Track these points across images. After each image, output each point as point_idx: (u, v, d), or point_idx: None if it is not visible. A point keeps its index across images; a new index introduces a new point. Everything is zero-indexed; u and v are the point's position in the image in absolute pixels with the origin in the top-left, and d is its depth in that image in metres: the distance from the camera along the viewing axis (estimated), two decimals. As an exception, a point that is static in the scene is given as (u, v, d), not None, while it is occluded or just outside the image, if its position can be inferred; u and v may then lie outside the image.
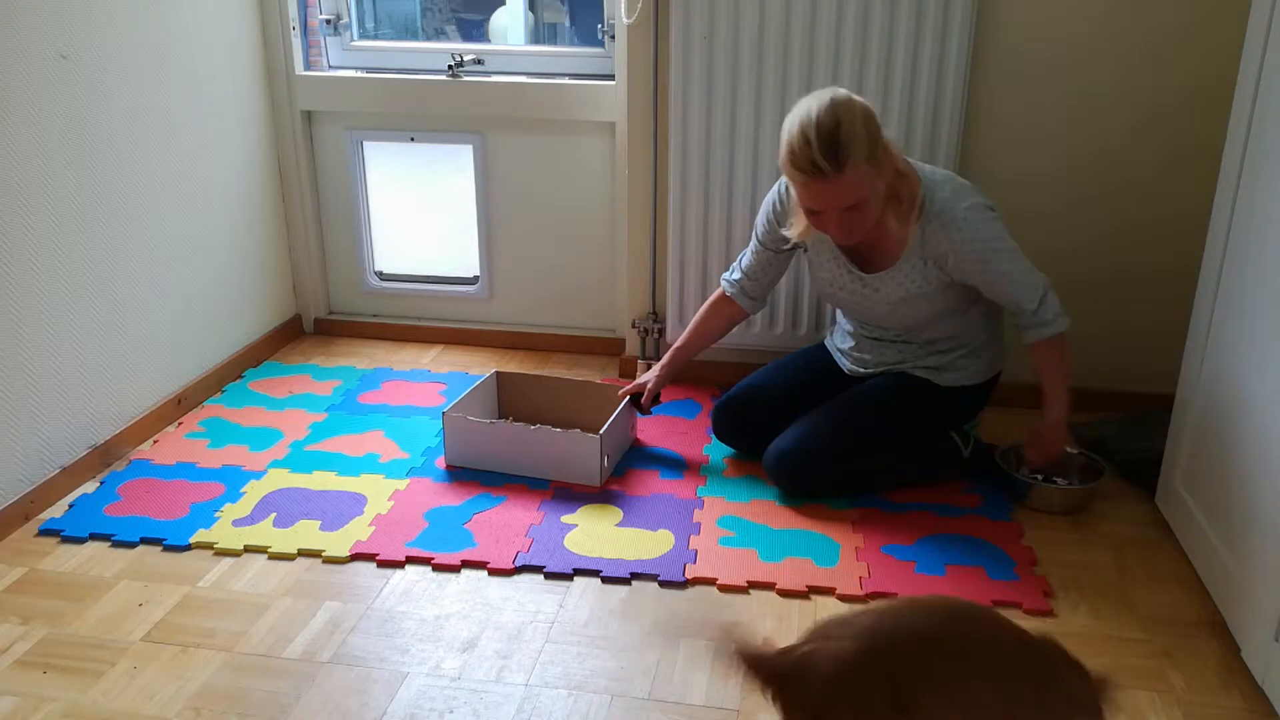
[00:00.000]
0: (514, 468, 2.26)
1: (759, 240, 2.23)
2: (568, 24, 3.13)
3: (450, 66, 2.82)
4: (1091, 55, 2.37)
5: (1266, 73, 1.76)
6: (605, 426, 2.22)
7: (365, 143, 2.95)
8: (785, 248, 2.19)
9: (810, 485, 2.16)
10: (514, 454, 2.25)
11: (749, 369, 2.45)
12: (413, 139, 2.91)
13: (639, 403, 2.37)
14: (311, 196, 3.01)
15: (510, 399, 2.51)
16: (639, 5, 2.51)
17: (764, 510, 2.13)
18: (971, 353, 2.17)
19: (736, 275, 2.29)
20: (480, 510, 2.13)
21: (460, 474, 2.27)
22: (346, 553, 1.97)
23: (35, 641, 1.73)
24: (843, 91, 1.92)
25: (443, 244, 3.05)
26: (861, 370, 2.24)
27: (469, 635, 1.75)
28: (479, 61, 2.87)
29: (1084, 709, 0.99)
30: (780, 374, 2.36)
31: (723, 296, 2.32)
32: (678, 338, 2.40)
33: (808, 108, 1.88)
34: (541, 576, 1.92)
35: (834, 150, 1.83)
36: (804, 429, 2.17)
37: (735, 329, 2.41)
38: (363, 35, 3.01)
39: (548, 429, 2.22)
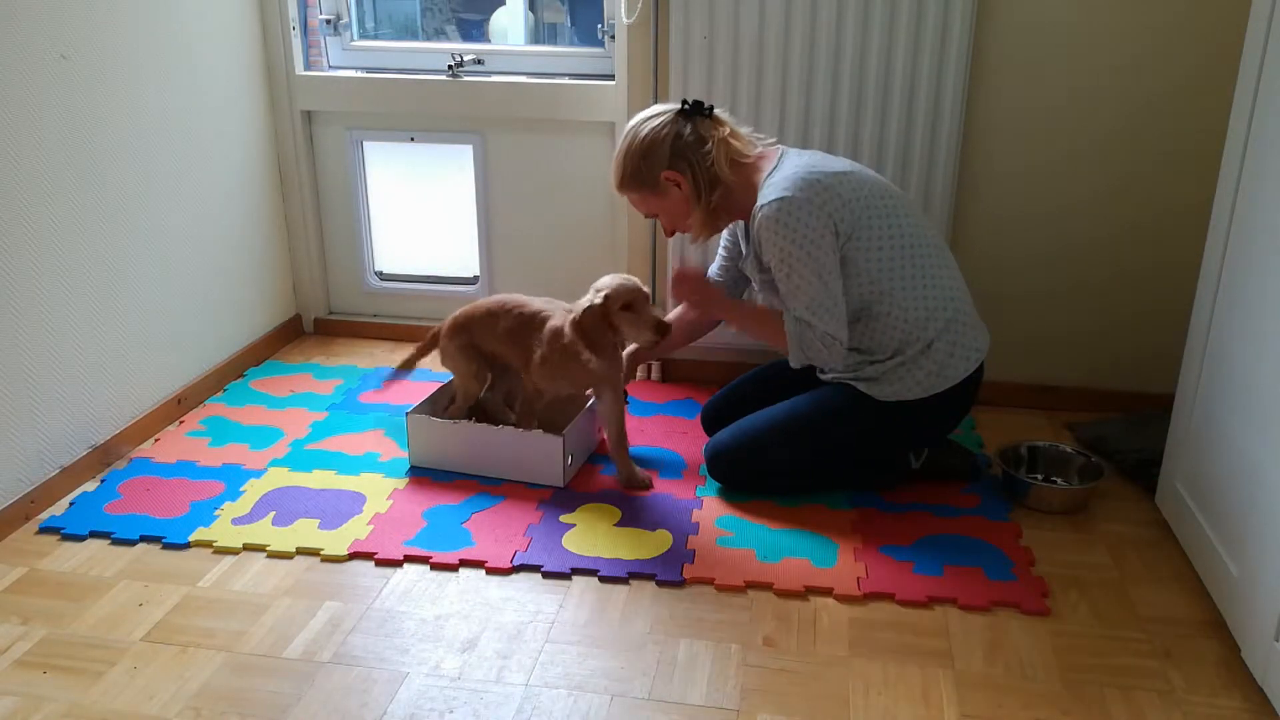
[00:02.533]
0: (478, 468, 2.25)
1: (722, 247, 2.32)
2: (568, 24, 3.13)
3: (450, 66, 2.83)
4: (1090, 54, 2.37)
5: (1267, 72, 1.76)
6: (569, 426, 2.22)
7: (365, 143, 2.95)
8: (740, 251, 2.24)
9: (737, 481, 2.19)
10: (478, 454, 2.24)
11: (747, 368, 2.45)
12: (413, 139, 2.91)
13: None
14: (311, 196, 3.01)
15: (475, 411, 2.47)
16: (639, 5, 2.52)
17: (762, 510, 2.13)
18: (908, 363, 2.05)
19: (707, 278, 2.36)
20: (479, 509, 2.13)
21: (460, 473, 2.27)
22: (344, 551, 1.97)
23: (35, 641, 1.73)
24: (644, 120, 2.08)
25: (443, 244, 3.05)
26: (823, 377, 2.20)
27: (469, 635, 1.75)
28: (479, 61, 2.87)
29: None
30: (759, 378, 2.37)
31: None
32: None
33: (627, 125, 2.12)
34: (540, 576, 1.92)
35: (613, 171, 2.13)
36: (740, 426, 2.18)
37: (719, 331, 2.44)
38: (363, 35, 3.01)
39: (509, 429, 2.22)
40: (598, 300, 2.09)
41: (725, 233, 2.29)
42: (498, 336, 2.28)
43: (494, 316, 2.29)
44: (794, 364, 2.08)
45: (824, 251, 1.96)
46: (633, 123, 2.10)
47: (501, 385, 2.42)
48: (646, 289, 2.12)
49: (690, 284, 2.19)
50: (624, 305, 2.09)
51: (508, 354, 2.29)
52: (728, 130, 2.07)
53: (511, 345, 2.26)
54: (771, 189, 1.99)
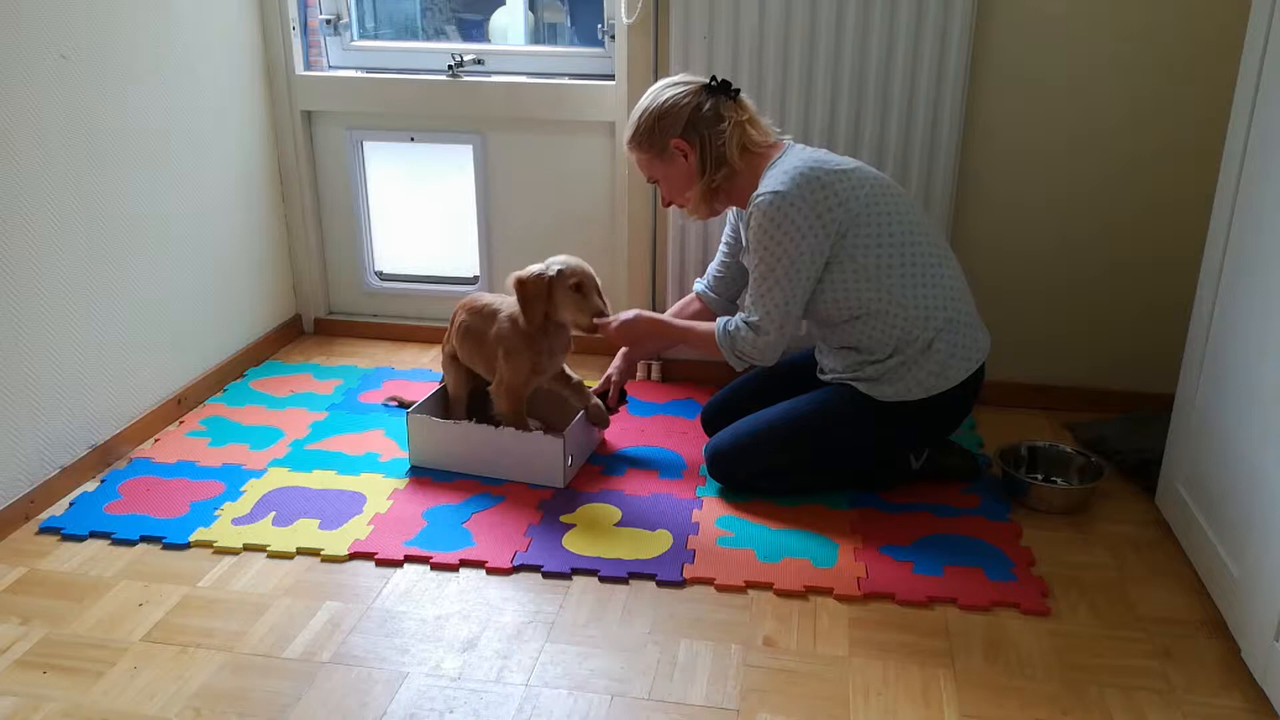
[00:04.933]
0: (479, 468, 2.25)
1: (724, 242, 2.32)
2: (568, 24, 3.13)
3: (450, 66, 2.83)
4: (1091, 49, 2.36)
5: (1267, 69, 1.76)
6: (569, 427, 2.22)
7: (365, 143, 2.95)
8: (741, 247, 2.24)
9: (737, 481, 2.19)
10: (478, 455, 2.24)
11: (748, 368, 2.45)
12: (413, 139, 2.91)
13: (605, 402, 2.37)
14: (311, 196, 3.01)
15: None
16: (639, 5, 2.52)
17: (762, 510, 2.13)
18: (908, 363, 2.04)
19: (705, 275, 2.38)
20: (479, 509, 2.13)
21: (460, 474, 2.27)
22: (345, 551, 1.97)
23: (35, 641, 1.73)
24: (669, 85, 2.11)
25: (443, 244, 3.05)
26: (823, 377, 2.20)
27: (469, 635, 1.75)
28: (479, 61, 2.87)
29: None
30: (760, 378, 2.37)
31: (693, 295, 2.39)
32: None
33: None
34: (540, 576, 1.92)
35: (627, 126, 2.14)
36: (739, 426, 2.19)
37: None
38: (363, 35, 3.01)
39: (510, 430, 2.21)
40: (550, 272, 2.15)
41: (728, 226, 2.30)
42: (458, 333, 2.34)
43: (455, 316, 2.36)
44: (736, 367, 2.14)
45: (803, 253, 1.97)
46: (658, 85, 2.12)
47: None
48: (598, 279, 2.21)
49: (628, 332, 2.21)
50: (574, 285, 2.16)
51: (468, 354, 2.33)
52: (747, 116, 2.09)
53: (465, 340, 2.31)
54: (770, 181, 2.00)
